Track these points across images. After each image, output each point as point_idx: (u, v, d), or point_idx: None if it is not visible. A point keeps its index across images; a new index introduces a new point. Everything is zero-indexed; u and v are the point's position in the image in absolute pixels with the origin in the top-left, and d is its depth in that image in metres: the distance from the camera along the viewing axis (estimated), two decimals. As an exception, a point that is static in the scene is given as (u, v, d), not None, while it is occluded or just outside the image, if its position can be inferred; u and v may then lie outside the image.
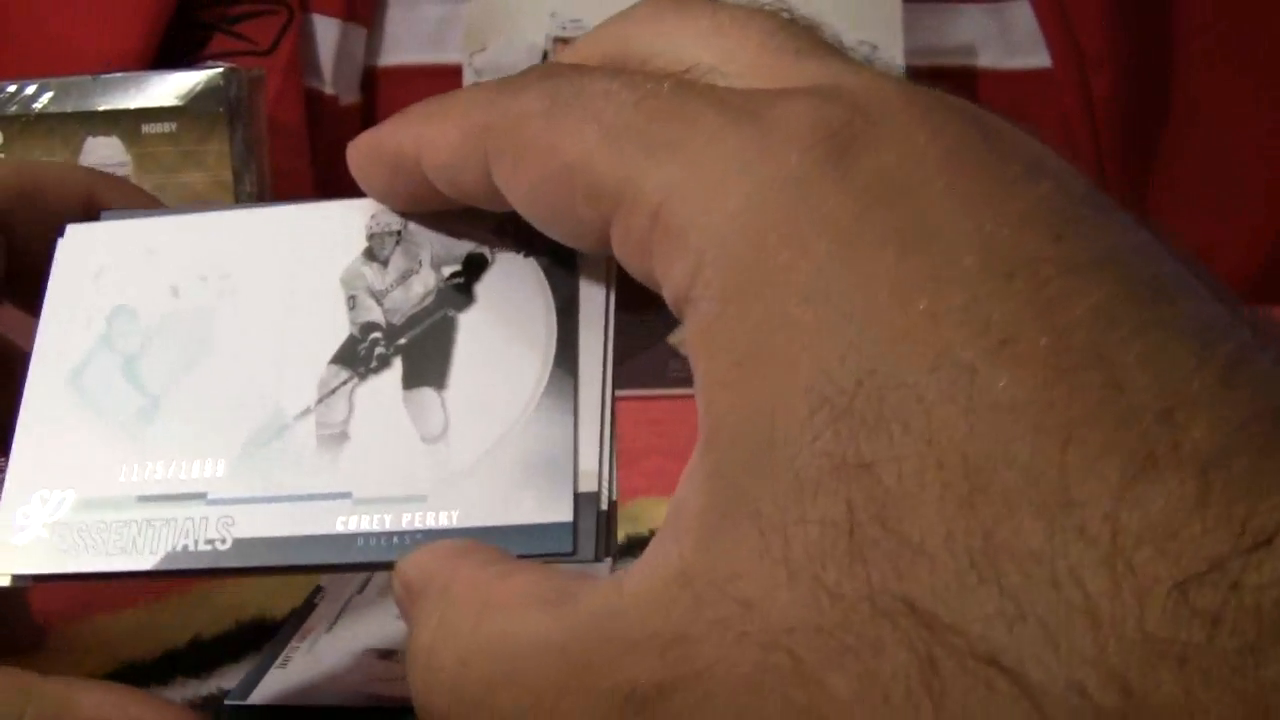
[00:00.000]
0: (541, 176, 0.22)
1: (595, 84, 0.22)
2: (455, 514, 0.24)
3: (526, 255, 0.26)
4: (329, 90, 0.79)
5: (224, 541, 0.25)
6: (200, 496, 0.26)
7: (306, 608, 0.37)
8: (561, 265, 0.26)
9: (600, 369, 0.25)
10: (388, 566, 0.24)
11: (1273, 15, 0.76)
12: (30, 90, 0.60)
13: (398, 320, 0.26)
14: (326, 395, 0.26)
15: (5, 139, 0.59)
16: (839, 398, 0.18)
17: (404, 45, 0.80)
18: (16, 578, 0.26)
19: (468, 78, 0.76)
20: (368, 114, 0.81)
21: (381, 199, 0.27)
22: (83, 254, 0.29)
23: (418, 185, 0.25)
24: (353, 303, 0.27)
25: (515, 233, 0.26)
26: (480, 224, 0.27)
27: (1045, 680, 0.16)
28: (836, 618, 0.17)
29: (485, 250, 0.27)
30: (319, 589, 0.38)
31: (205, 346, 0.27)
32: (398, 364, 0.26)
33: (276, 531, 0.25)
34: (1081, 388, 0.17)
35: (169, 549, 0.25)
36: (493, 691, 0.20)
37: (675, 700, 0.19)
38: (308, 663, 0.34)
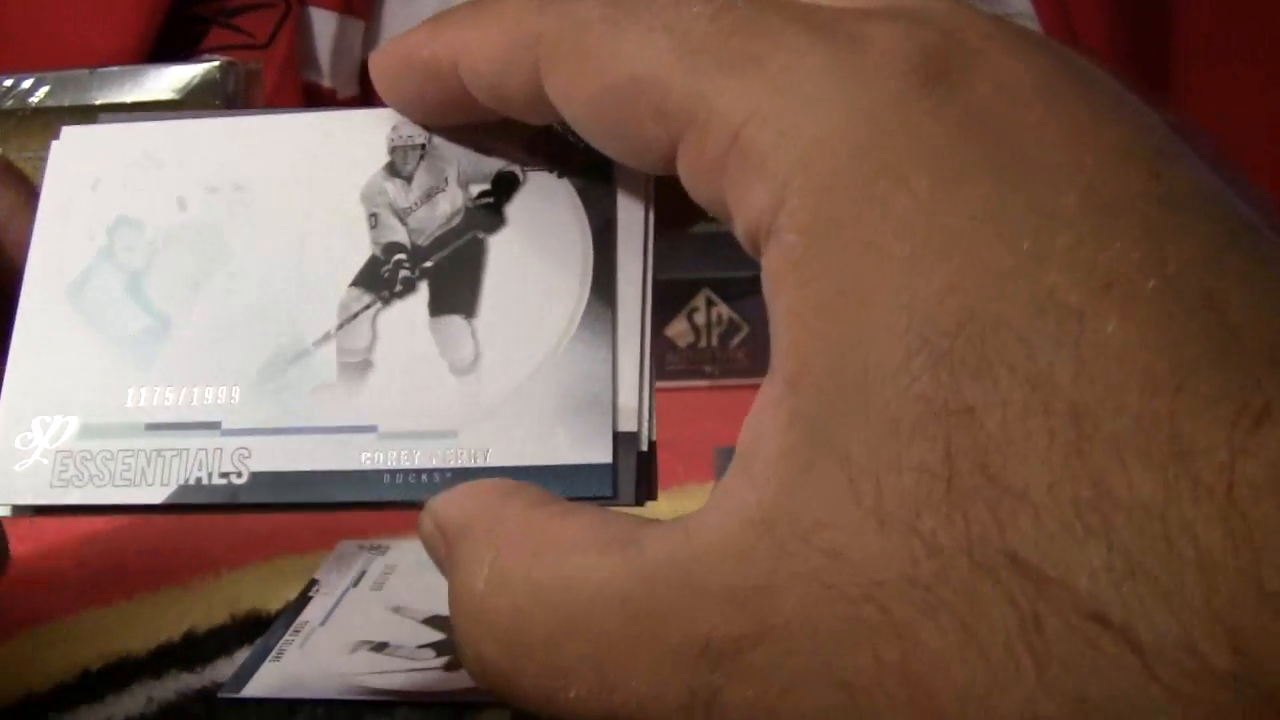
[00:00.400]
0: (602, 89, 0.21)
1: None
2: (488, 452, 0.23)
3: (560, 175, 0.25)
4: (327, 84, 0.79)
5: (240, 475, 0.23)
6: (214, 426, 0.24)
7: (301, 601, 0.37)
8: (597, 185, 0.24)
9: (639, 297, 0.24)
10: (415, 506, 0.23)
11: (1273, 12, 0.76)
12: (26, 84, 0.59)
13: (423, 241, 0.25)
14: (348, 320, 0.24)
15: (3, 134, 0.59)
16: (939, 339, 0.17)
17: (402, 38, 0.80)
18: (17, 509, 0.24)
19: (466, 72, 0.76)
20: (366, 107, 0.81)
21: (407, 109, 0.25)
22: (79, 159, 0.27)
23: (451, 94, 0.24)
24: (374, 221, 0.25)
25: (547, 150, 0.25)
26: (510, 139, 0.25)
27: (1155, 639, 0.15)
28: (932, 570, 0.17)
29: (516, 168, 0.25)
30: (314, 582, 0.38)
31: (216, 263, 0.25)
32: (424, 288, 0.24)
33: (296, 465, 0.23)
34: (1191, 332, 0.16)
35: (181, 481, 0.24)
36: (553, 643, 0.19)
37: (755, 654, 0.18)
38: (301, 656, 0.33)
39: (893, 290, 0.18)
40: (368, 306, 0.24)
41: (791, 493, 0.18)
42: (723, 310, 0.58)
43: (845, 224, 0.18)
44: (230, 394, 0.24)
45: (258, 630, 0.35)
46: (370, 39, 0.81)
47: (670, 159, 0.21)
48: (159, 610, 0.37)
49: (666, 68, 0.20)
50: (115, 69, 0.59)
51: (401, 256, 0.25)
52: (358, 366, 0.24)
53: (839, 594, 0.17)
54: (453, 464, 0.23)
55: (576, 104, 0.21)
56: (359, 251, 0.25)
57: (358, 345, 0.24)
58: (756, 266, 0.20)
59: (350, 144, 0.26)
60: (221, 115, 0.27)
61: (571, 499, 0.22)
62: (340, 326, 0.24)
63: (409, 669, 0.33)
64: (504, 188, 0.25)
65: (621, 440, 0.23)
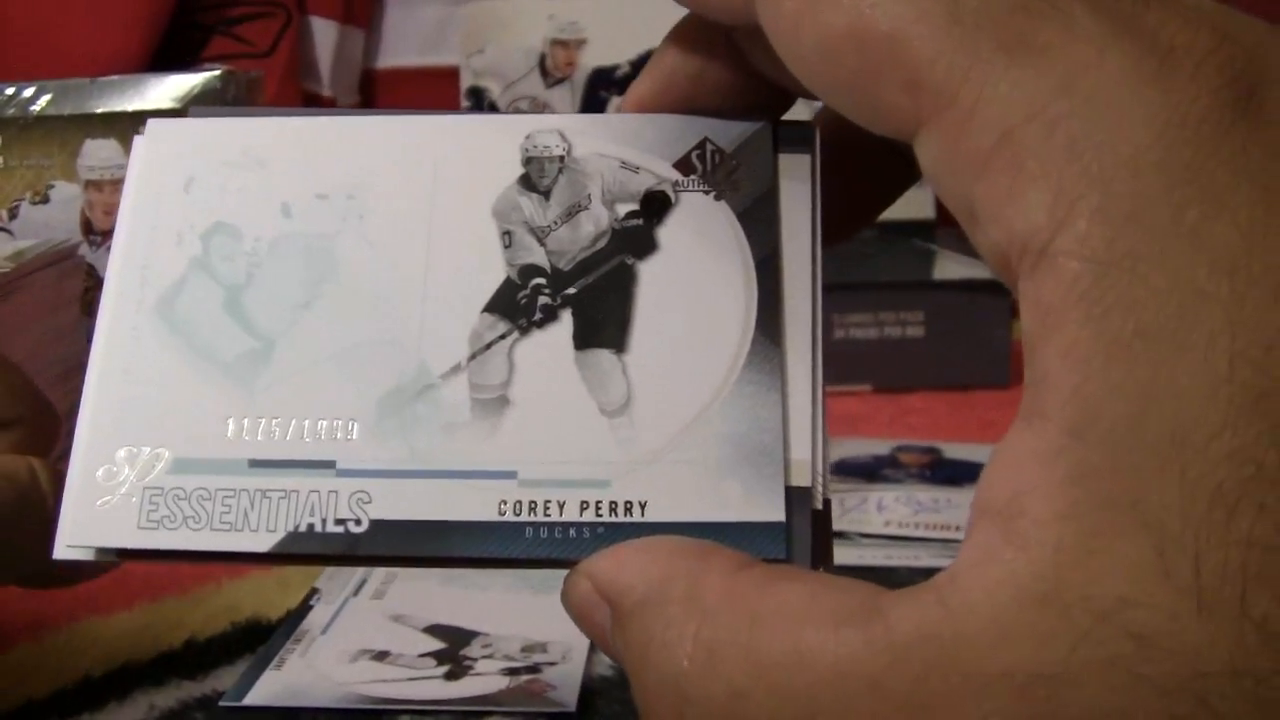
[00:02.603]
0: (842, 37, 0.18)
1: None
2: (644, 505, 0.21)
3: (716, 197, 0.22)
4: (327, 92, 0.79)
5: (359, 523, 0.21)
6: (328, 465, 0.21)
7: (302, 609, 0.37)
8: (758, 209, 0.22)
9: (809, 338, 0.21)
10: (563, 564, 0.20)
11: (1273, 10, 0.76)
12: (28, 93, 0.60)
13: (564, 265, 0.22)
14: (480, 350, 0.22)
15: (4, 142, 0.59)
16: (1272, 393, 0.15)
17: (401, 47, 0.81)
18: (101, 552, 0.21)
19: (465, 80, 0.76)
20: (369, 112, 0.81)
21: None
22: (169, 156, 0.23)
23: None
24: (508, 239, 0.22)
25: (701, 167, 0.22)
26: (658, 152, 0.23)
27: None
28: (1266, 662, 0.15)
29: (666, 187, 0.22)
30: (315, 591, 0.38)
31: (326, 280, 0.22)
32: (567, 318, 0.22)
33: (423, 514, 0.21)
34: None
35: (290, 528, 0.21)
36: None
37: None
38: (302, 664, 0.34)
39: (1211, 334, 0.16)
40: (503, 336, 0.22)
41: (1081, 563, 0.16)
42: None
43: (1148, 256, 0.16)
44: (347, 430, 0.22)
45: (259, 638, 0.35)
46: (371, 48, 0.81)
47: (908, 131, 0.18)
48: (160, 618, 0.37)
49: (929, 32, 0.17)
50: (116, 78, 0.60)
51: (541, 281, 0.22)
52: (493, 404, 0.22)
53: (1150, 685, 0.15)
54: (605, 518, 0.21)
55: (801, 44, 0.19)
56: (491, 273, 0.22)
57: (493, 380, 0.22)
58: None
59: (479, 152, 0.23)
60: (333, 114, 0.24)
61: None
62: (472, 357, 0.22)
63: (409, 677, 0.33)
64: (654, 208, 0.22)
65: (795, 496, 0.21)
